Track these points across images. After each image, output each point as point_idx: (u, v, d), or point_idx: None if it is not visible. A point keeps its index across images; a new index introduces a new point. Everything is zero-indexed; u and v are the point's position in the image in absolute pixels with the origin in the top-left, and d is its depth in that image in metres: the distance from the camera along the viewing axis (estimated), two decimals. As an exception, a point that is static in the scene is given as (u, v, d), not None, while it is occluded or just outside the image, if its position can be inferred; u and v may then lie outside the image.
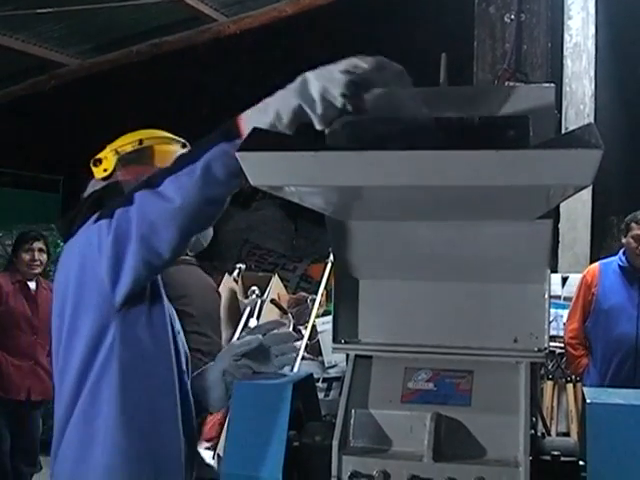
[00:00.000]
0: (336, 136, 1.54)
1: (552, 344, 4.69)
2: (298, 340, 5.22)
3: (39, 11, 6.85)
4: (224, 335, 5.69)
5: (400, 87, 1.52)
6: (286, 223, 10.10)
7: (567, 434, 5.31)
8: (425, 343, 1.65)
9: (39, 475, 5.46)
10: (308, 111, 1.50)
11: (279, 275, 7.01)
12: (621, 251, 4.94)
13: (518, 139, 1.48)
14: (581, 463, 1.55)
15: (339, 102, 1.47)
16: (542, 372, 5.31)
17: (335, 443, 1.56)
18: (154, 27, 7.96)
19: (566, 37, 6.22)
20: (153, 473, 1.77)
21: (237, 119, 1.58)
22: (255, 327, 2.06)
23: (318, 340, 5.95)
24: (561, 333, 5.23)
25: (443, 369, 1.64)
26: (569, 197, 1.45)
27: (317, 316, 5.94)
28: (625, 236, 4.87)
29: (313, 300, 6.07)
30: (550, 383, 5.50)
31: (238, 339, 2.03)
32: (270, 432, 1.63)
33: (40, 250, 5.31)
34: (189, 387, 1.89)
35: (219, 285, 6.00)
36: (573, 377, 5.35)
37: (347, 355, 1.70)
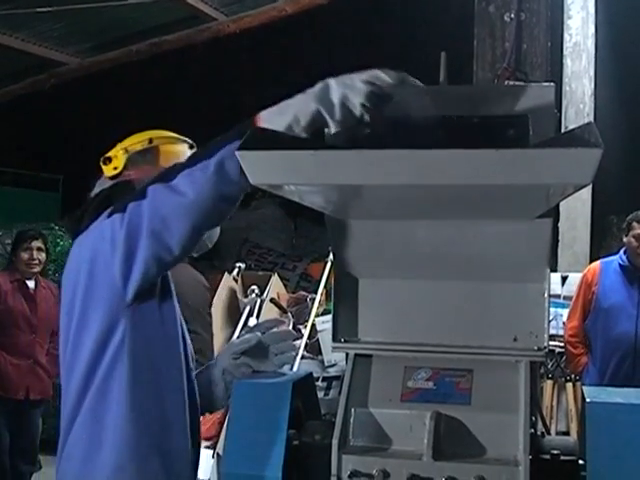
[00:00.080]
0: (335, 134, 1.54)
1: (552, 343, 4.66)
2: (298, 339, 5.22)
3: (39, 10, 6.85)
4: (223, 334, 5.70)
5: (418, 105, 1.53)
6: (286, 222, 10.09)
7: (567, 433, 5.31)
8: (425, 342, 1.65)
9: (38, 474, 5.46)
10: (326, 116, 1.51)
11: (279, 274, 7.01)
12: (622, 250, 4.94)
13: (518, 138, 1.48)
14: (581, 462, 1.55)
15: (358, 111, 1.48)
16: (542, 371, 5.31)
17: (335, 442, 1.56)
18: (154, 26, 7.96)
19: (566, 36, 6.22)
20: (162, 470, 1.77)
21: (254, 118, 1.58)
22: (254, 325, 2.06)
23: (318, 339, 5.95)
24: (561, 332, 5.22)
25: (443, 368, 1.64)
26: (569, 196, 1.45)
27: (317, 315, 5.94)
28: (626, 235, 4.87)
29: (313, 299, 6.06)
30: (550, 382, 5.49)
31: (238, 338, 2.03)
32: (270, 431, 1.63)
33: (39, 249, 5.31)
34: (195, 385, 1.89)
35: (218, 284, 6.01)
36: (573, 376, 5.35)
37: (347, 354, 1.70)
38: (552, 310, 4.47)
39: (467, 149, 1.28)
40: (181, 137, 2.12)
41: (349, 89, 1.49)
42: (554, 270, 5.55)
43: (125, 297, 1.71)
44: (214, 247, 2.19)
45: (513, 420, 1.53)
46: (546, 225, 1.54)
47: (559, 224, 5.88)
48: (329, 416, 1.87)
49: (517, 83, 5.13)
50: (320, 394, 5.31)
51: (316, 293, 6.06)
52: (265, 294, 6.14)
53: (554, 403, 5.49)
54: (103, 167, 2.04)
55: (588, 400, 1.54)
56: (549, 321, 1.65)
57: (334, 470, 1.55)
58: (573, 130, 1.43)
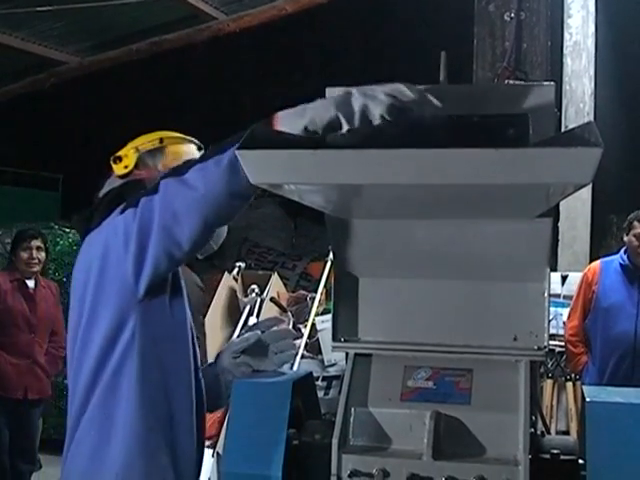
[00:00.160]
0: (335, 134, 1.54)
1: (552, 342, 4.67)
2: (298, 338, 5.22)
3: (39, 9, 6.85)
4: (223, 334, 5.70)
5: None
6: (286, 221, 10.09)
7: (567, 432, 5.31)
8: (425, 341, 1.65)
9: (38, 473, 5.46)
10: (344, 123, 1.50)
11: (279, 273, 7.01)
12: (622, 249, 4.93)
13: (518, 137, 1.48)
14: (580, 461, 1.55)
15: (377, 122, 1.48)
16: (542, 370, 5.31)
17: (335, 441, 1.56)
18: (154, 25, 7.96)
19: (566, 35, 6.22)
20: (170, 467, 1.77)
21: (272, 118, 1.58)
22: (254, 324, 2.06)
23: (318, 338, 5.95)
24: (561, 332, 5.22)
25: (443, 367, 1.64)
26: (569, 195, 1.45)
27: (317, 314, 5.93)
28: (627, 234, 4.86)
29: (313, 298, 6.05)
30: (550, 381, 5.49)
31: (238, 337, 2.03)
32: (270, 430, 1.63)
33: (38, 248, 5.30)
34: (202, 384, 1.89)
35: (218, 284, 6.01)
36: (573, 375, 5.35)
37: (347, 353, 1.70)
38: (552, 309, 4.47)
39: (467, 148, 1.28)
40: (190, 138, 2.12)
41: (370, 99, 1.48)
42: (554, 269, 5.55)
43: (136, 292, 1.72)
44: (215, 246, 2.18)
45: (513, 420, 1.53)
46: (546, 225, 1.54)
47: (559, 224, 5.89)
48: (329, 415, 1.87)
49: (517, 82, 5.12)
50: (320, 393, 5.30)
51: (316, 292, 6.06)
52: (265, 293, 6.13)
53: (554, 402, 5.49)
54: (113, 166, 2.04)
55: (588, 400, 1.54)
56: (549, 320, 1.65)
57: (334, 469, 1.55)
58: (573, 129, 1.42)
